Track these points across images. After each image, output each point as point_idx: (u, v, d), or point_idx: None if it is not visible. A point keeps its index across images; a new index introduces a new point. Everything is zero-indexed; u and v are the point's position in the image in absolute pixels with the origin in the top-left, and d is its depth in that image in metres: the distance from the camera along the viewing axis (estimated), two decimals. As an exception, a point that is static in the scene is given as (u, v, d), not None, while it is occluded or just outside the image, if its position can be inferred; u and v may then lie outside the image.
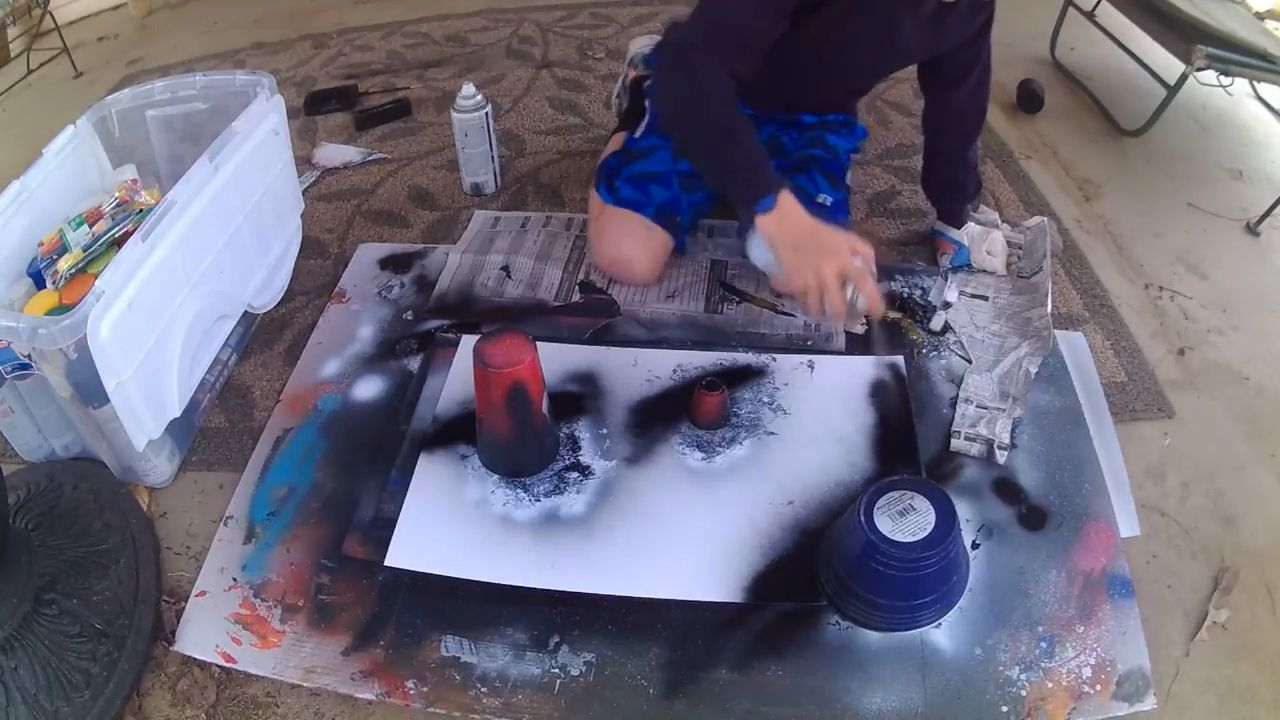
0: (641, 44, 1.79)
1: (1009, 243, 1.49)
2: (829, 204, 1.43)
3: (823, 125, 1.54)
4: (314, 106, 2.03)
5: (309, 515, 1.16)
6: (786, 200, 1.17)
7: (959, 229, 1.49)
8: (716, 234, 1.60)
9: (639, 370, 1.34)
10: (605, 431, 1.25)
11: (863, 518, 0.98)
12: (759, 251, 1.24)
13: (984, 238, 1.47)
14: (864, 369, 1.33)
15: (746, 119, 1.20)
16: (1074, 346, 1.38)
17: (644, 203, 1.43)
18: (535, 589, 1.07)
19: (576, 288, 1.50)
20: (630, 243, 1.43)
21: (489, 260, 1.56)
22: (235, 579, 1.10)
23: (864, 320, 1.40)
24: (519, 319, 1.44)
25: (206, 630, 1.05)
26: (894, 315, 1.40)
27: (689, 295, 1.47)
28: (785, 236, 1.17)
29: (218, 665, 1.02)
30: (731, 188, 1.24)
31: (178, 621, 1.06)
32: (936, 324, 1.39)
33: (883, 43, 1.28)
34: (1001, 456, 1.19)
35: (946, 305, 1.41)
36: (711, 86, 1.17)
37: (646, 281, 1.47)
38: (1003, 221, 1.52)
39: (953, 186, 1.50)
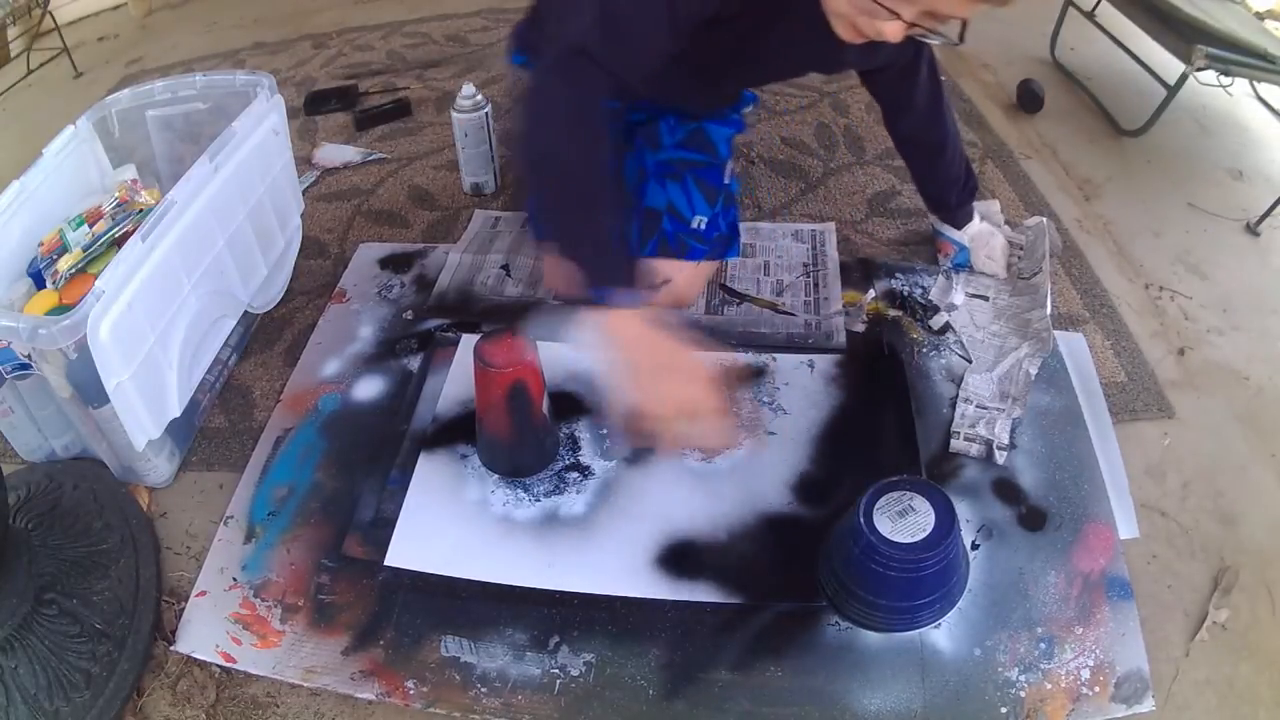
0: None
1: (1009, 243, 1.49)
2: (702, 228, 1.32)
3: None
4: (314, 106, 2.03)
5: (309, 515, 1.17)
6: (636, 302, 0.95)
7: (960, 229, 1.49)
8: None
9: (639, 370, 1.33)
10: (605, 431, 1.25)
11: (862, 518, 0.98)
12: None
13: (984, 241, 1.47)
14: (864, 368, 1.33)
15: (616, 177, 1.02)
16: (1073, 347, 1.37)
17: None
18: (535, 589, 1.07)
19: (576, 288, 1.49)
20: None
21: (489, 260, 1.56)
22: (235, 579, 1.10)
23: (864, 318, 1.40)
24: (519, 318, 1.43)
25: (206, 630, 1.05)
26: (894, 314, 1.40)
27: (689, 298, 1.47)
28: (629, 348, 0.94)
29: (218, 665, 1.03)
30: (578, 256, 0.97)
31: (178, 621, 1.06)
32: (937, 323, 1.39)
33: (790, 60, 1.20)
34: (1001, 457, 1.19)
35: (952, 308, 1.40)
36: (589, 124, 0.97)
37: None
38: (1004, 222, 1.52)
39: (932, 199, 1.50)
